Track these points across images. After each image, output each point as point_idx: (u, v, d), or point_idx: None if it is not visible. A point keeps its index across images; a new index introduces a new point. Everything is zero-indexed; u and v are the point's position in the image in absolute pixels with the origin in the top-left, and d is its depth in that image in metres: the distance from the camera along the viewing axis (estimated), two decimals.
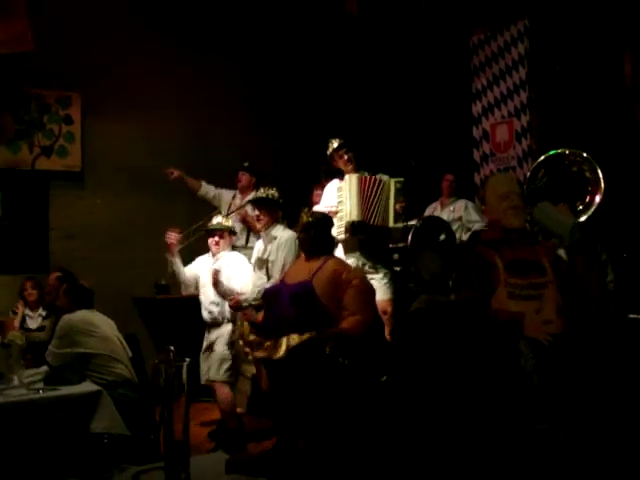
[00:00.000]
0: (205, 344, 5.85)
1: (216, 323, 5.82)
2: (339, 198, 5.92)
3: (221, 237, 5.98)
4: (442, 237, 6.32)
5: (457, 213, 7.23)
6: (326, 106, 8.73)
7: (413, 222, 6.37)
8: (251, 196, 6.70)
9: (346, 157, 5.96)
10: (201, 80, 8.44)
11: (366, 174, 5.90)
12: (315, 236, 4.73)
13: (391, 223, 5.84)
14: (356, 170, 5.95)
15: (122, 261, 7.90)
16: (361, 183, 5.81)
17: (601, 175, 5.23)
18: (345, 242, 5.88)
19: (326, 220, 4.94)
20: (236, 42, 8.63)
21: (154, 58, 8.20)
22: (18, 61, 7.07)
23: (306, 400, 2.02)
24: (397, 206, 5.81)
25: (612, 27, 6.47)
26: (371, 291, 4.66)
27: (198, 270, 6.07)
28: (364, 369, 2.26)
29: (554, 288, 3.54)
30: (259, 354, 4.44)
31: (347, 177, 5.89)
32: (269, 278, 5.62)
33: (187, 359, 1.87)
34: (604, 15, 6.53)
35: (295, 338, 4.14)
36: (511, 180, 4.04)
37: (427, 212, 7.47)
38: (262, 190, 5.94)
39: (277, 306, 4.53)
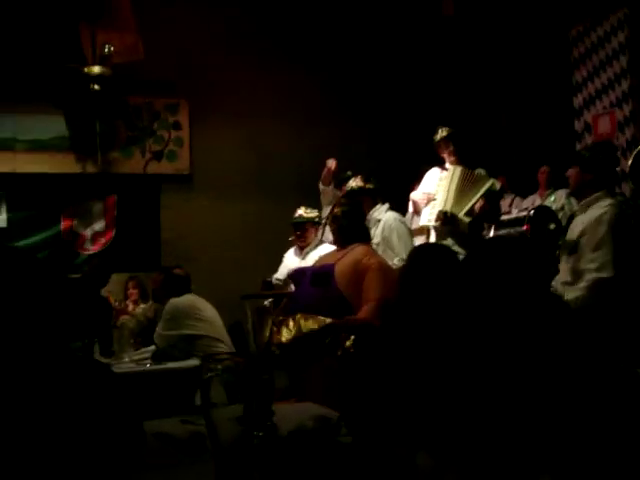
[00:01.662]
0: None
1: None
2: (438, 187, 5.91)
3: (304, 230, 6.01)
4: (552, 226, 6.12)
5: (559, 203, 7.10)
6: (428, 103, 8.73)
7: (523, 213, 6.26)
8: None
9: (452, 148, 5.95)
10: (301, 81, 8.65)
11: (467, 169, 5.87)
12: (343, 226, 4.66)
13: (461, 213, 5.60)
14: (459, 162, 5.91)
15: (230, 261, 8.15)
16: (464, 178, 5.77)
17: None
18: (437, 229, 5.87)
19: (355, 210, 4.86)
20: (336, 43, 8.78)
21: (257, 63, 8.53)
22: (129, 71, 7.49)
23: None
24: (477, 205, 5.63)
25: None
26: (391, 271, 4.46)
27: (288, 268, 5.97)
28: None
29: None
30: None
31: (452, 168, 5.85)
32: None
33: None
34: None
35: (309, 322, 4.05)
36: None
37: (524, 204, 7.38)
38: (352, 182, 6.03)
39: (300, 287, 4.55)
